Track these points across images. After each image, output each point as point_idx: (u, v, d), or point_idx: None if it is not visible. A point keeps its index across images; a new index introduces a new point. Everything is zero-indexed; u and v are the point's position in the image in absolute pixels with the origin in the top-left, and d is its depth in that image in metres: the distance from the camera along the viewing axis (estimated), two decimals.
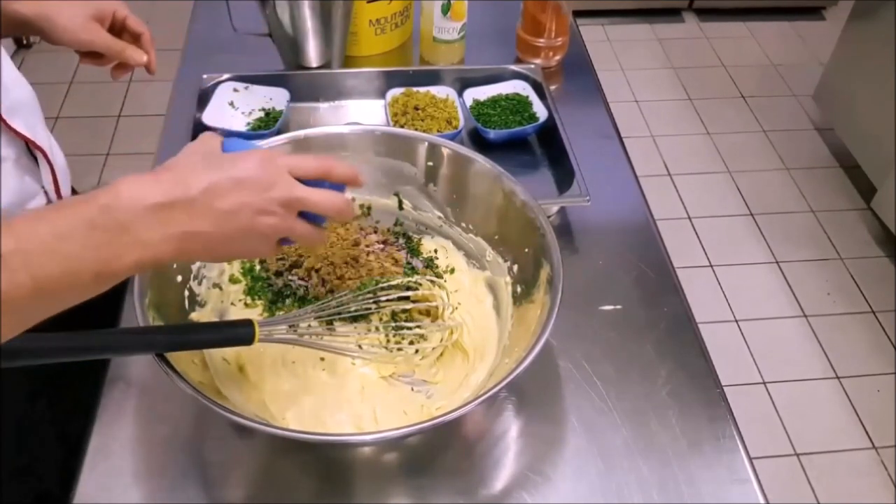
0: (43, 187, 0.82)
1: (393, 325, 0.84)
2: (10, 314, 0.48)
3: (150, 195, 0.53)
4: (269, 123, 1.14)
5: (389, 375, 0.83)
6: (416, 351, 0.83)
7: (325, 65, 1.26)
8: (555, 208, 1.04)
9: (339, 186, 0.66)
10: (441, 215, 0.94)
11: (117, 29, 0.90)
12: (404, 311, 0.85)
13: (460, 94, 1.18)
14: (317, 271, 0.89)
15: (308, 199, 0.60)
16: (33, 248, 0.49)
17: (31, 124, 0.81)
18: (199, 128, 1.11)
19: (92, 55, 0.89)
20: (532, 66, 1.24)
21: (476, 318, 0.87)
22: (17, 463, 0.90)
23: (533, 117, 1.15)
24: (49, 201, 0.82)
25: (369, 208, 0.97)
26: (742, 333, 2.06)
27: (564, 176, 1.06)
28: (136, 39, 0.91)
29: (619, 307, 0.94)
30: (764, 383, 1.95)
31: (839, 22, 2.52)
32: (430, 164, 0.92)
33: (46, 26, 0.83)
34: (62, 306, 0.53)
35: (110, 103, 2.65)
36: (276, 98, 1.17)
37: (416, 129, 1.08)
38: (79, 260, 0.50)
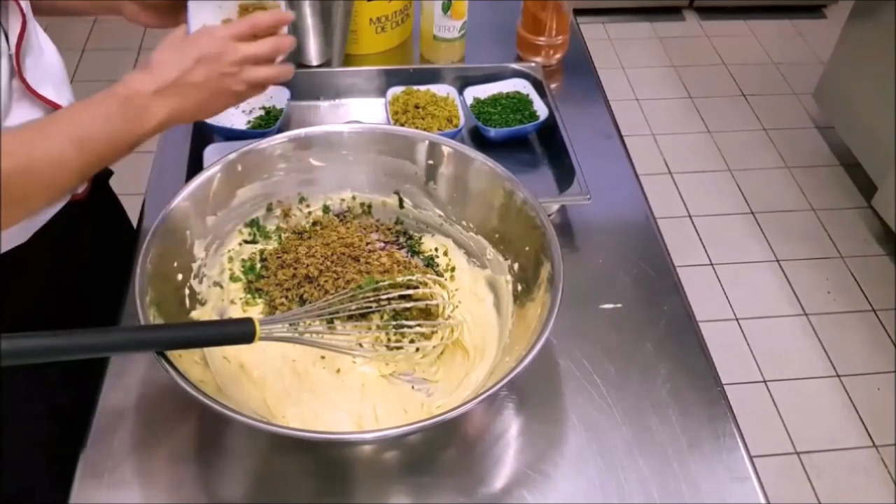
0: None
1: (393, 323, 0.84)
2: (73, 176, 0.73)
3: (149, 86, 0.75)
4: (269, 122, 1.14)
5: (390, 374, 0.83)
6: (417, 349, 0.83)
7: (326, 63, 1.26)
8: (555, 207, 1.04)
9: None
10: (441, 214, 0.94)
11: None
12: (405, 309, 0.85)
13: (461, 92, 1.18)
14: (318, 270, 0.89)
15: (252, 53, 0.79)
16: (87, 128, 0.72)
17: (60, 91, 0.84)
18: (199, 126, 1.11)
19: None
20: (532, 64, 1.24)
21: (476, 317, 0.87)
22: (16, 462, 0.91)
23: (533, 116, 1.15)
24: None
25: (370, 207, 0.97)
26: (742, 332, 2.06)
27: (565, 174, 1.06)
28: None
29: (619, 306, 0.94)
30: (764, 382, 1.95)
31: (840, 20, 2.52)
32: (431, 162, 0.92)
33: None
34: (105, 164, 0.76)
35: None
36: (277, 96, 1.17)
37: (416, 128, 1.08)
38: (116, 132, 0.73)
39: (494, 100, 1.18)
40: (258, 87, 0.81)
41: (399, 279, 0.85)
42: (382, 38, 1.32)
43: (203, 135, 1.09)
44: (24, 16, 0.78)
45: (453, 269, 0.93)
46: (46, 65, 0.86)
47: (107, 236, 1.06)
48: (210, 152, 1.05)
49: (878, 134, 2.25)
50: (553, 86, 1.27)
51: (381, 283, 0.85)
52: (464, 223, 0.92)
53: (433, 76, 1.21)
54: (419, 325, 0.84)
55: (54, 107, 0.83)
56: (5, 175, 0.65)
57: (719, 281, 2.19)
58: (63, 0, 0.97)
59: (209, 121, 1.11)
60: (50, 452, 0.92)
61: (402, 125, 1.10)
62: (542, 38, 1.28)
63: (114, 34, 2.88)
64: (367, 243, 0.92)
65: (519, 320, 0.82)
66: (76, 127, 0.71)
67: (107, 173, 1.06)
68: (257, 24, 0.80)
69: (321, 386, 0.81)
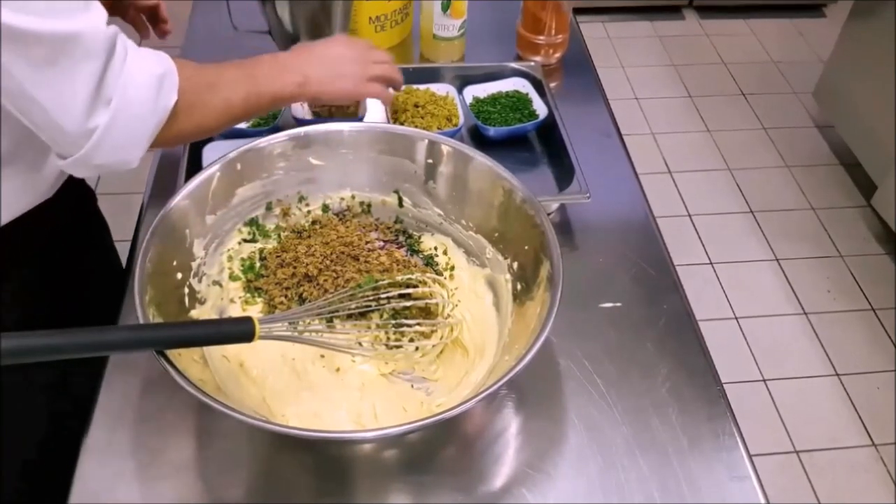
0: None
1: (393, 322, 0.84)
2: (240, 101, 0.84)
3: (290, 53, 0.93)
4: (268, 121, 1.14)
5: (389, 373, 0.83)
6: (416, 348, 0.83)
7: None
8: (555, 205, 1.04)
9: None
10: (441, 213, 0.94)
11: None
12: (404, 308, 0.85)
13: (460, 91, 1.18)
14: (317, 269, 0.89)
15: (379, 57, 0.98)
16: (251, 66, 0.87)
17: None
18: None
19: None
20: (532, 63, 1.24)
21: (476, 316, 0.87)
22: (16, 461, 0.91)
23: (533, 115, 1.15)
24: None
25: (369, 206, 0.97)
26: (742, 331, 2.07)
27: (564, 173, 1.06)
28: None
29: (618, 305, 0.94)
30: (764, 380, 1.96)
31: (839, 19, 2.52)
32: (430, 161, 0.92)
33: None
34: (259, 113, 0.94)
35: None
36: None
37: (415, 127, 1.08)
38: (266, 76, 0.87)
39: (494, 99, 1.18)
40: (374, 83, 0.97)
41: (398, 278, 0.85)
42: (382, 36, 1.32)
43: None
44: None
45: (452, 267, 0.93)
46: None
47: (103, 238, 1.06)
48: (209, 151, 1.05)
49: (877, 133, 2.25)
50: (552, 85, 1.27)
51: (381, 282, 0.85)
52: (463, 222, 0.92)
53: (433, 75, 1.21)
54: (419, 324, 0.84)
55: None
56: (193, 87, 0.77)
57: (719, 280, 2.19)
58: None
59: None
60: (50, 453, 0.92)
61: (402, 124, 1.10)
62: (541, 37, 1.28)
63: None
64: (367, 242, 0.92)
65: (518, 319, 0.82)
66: (244, 64, 0.86)
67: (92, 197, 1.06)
68: (379, 51, 1.02)
69: (321, 385, 0.81)
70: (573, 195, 1.01)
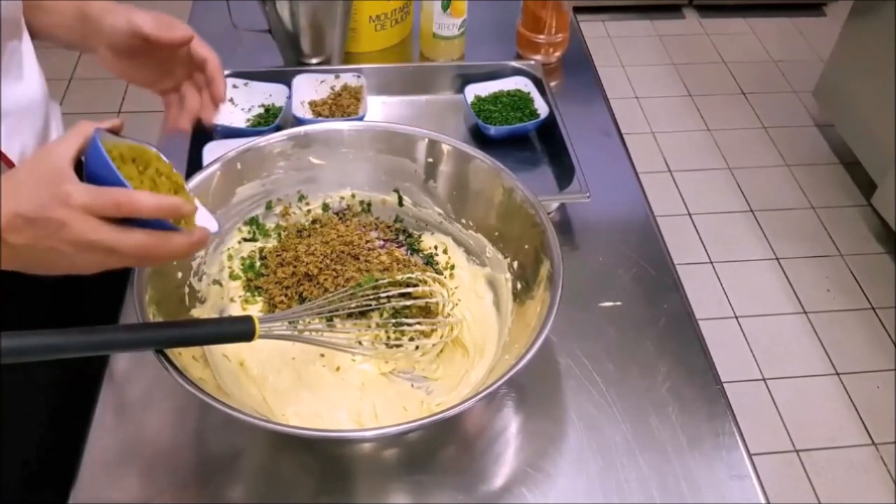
0: None
1: (393, 321, 0.84)
2: None
3: None
4: (268, 120, 1.14)
5: (389, 372, 0.83)
6: (416, 347, 0.83)
7: (325, 61, 1.26)
8: (555, 205, 1.04)
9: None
10: (441, 212, 0.94)
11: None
12: (404, 307, 0.85)
13: (461, 89, 1.18)
14: (317, 268, 0.88)
15: (99, 241, 0.58)
16: None
17: (12, 132, 0.77)
18: (198, 124, 1.10)
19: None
20: (532, 62, 1.24)
21: (476, 315, 0.87)
22: (16, 461, 0.90)
23: (534, 114, 1.15)
24: None
25: (369, 205, 0.97)
26: (742, 330, 2.07)
27: (564, 172, 1.06)
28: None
29: (618, 304, 0.94)
30: (764, 380, 1.96)
31: (840, 18, 2.52)
32: (431, 160, 0.92)
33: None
34: None
35: (110, 100, 2.65)
36: (276, 94, 1.17)
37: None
38: None
39: (495, 97, 1.18)
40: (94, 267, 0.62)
41: (398, 277, 0.85)
42: (382, 35, 1.32)
43: (203, 133, 1.09)
44: None
45: (453, 266, 0.93)
46: (13, 97, 0.78)
47: None
48: (209, 150, 1.05)
49: (877, 132, 2.25)
50: (553, 84, 1.27)
51: (381, 282, 0.85)
52: (463, 221, 0.92)
53: (433, 74, 1.21)
54: (419, 323, 0.84)
55: None
56: None
57: (719, 279, 2.19)
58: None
59: None
60: (50, 452, 0.91)
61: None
62: (541, 36, 1.28)
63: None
64: (367, 241, 0.92)
65: (518, 318, 0.82)
66: None
67: None
68: (137, 210, 0.58)
69: (321, 384, 0.81)
70: (573, 194, 1.01)
